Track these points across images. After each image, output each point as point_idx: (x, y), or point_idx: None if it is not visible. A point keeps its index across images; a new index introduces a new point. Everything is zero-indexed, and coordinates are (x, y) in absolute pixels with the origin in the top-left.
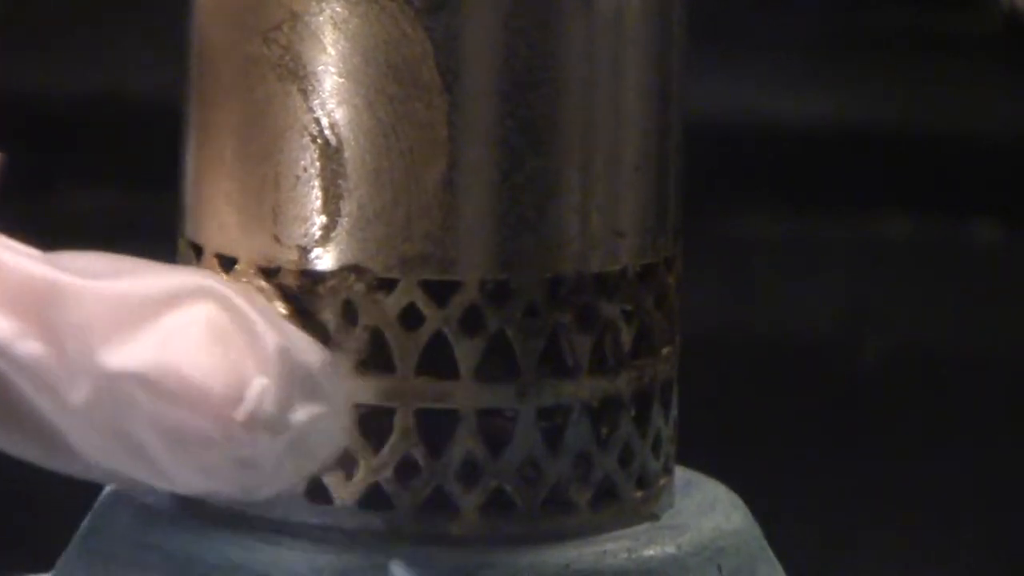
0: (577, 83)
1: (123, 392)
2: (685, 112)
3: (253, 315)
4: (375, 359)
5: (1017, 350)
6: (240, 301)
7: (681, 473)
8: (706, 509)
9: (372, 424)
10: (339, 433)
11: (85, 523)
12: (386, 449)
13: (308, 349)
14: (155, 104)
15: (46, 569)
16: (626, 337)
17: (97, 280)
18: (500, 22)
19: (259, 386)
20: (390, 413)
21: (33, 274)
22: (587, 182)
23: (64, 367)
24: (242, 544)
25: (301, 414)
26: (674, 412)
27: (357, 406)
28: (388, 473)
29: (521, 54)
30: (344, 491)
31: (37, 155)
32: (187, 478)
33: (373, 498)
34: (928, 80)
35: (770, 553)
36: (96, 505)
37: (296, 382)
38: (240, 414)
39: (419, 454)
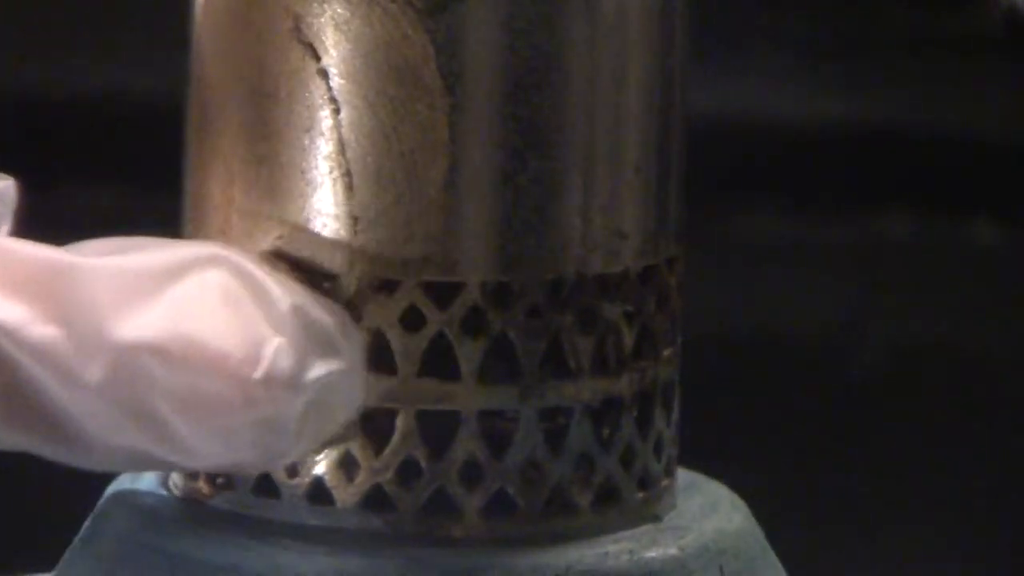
0: (579, 84)
1: (138, 365)
2: (686, 112)
3: (264, 278)
4: (377, 360)
5: (1017, 350)
6: (251, 266)
7: (683, 474)
8: (708, 511)
9: (374, 426)
10: (358, 390)
11: (86, 525)
12: (388, 451)
13: (323, 308)
14: (156, 104)
15: (46, 569)
16: (628, 338)
17: (102, 257)
18: (502, 23)
19: (275, 344)
20: (392, 414)
21: (38, 257)
22: (589, 183)
23: (77, 347)
24: (243, 546)
25: (319, 370)
26: (676, 413)
27: (358, 407)
28: (390, 475)
29: (523, 55)
30: (345, 493)
31: (37, 155)
32: (208, 449)
33: (375, 499)
34: (928, 80)
35: (772, 554)
36: (97, 507)
37: (312, 340)
38: (258, 373)
39: (421, 455)
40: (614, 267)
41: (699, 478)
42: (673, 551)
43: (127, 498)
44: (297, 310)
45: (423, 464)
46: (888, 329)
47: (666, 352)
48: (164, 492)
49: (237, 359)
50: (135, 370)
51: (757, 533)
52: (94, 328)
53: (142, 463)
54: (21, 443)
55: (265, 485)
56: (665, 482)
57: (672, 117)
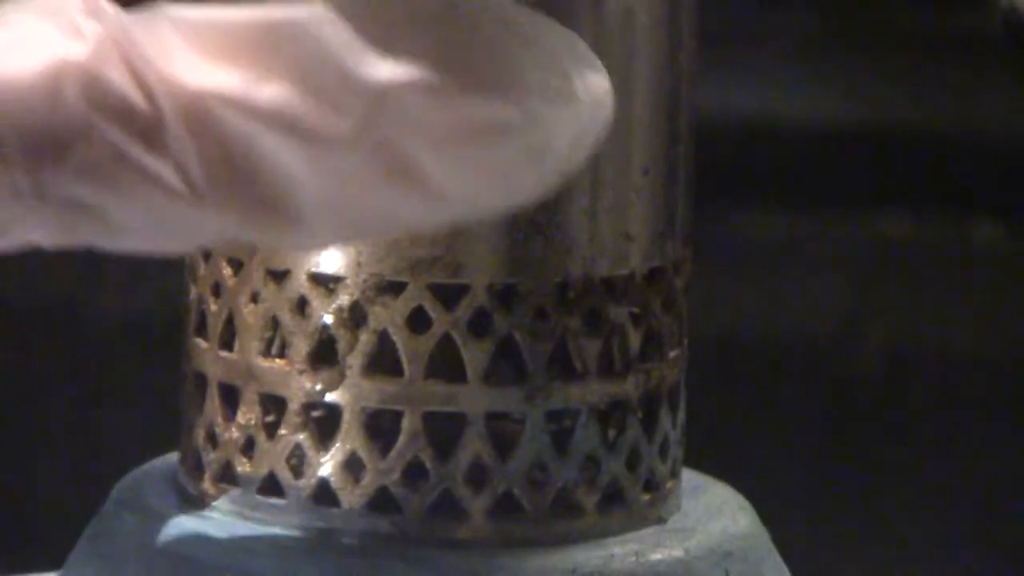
0: None
1: (399, 107)
2: (695, 116)
3: None
4: (383, 362)
5: (1017, 350)
6: None
7: (688, 476)
8: (713, 512)
9: (380, 427)
10: (609, 107)
11: (91, 525)
12: (394, 452)
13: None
14: None
15: (49, 569)
16: (634, 340)
17: (326, 6)
18: None
19: (548, 64)
20: (398, 416)
21: (253, 19)
22: (596, 185)
23: (321, 101)
24: (249, 547)
25: (585, 85)
26: (681, 415)
27: (365, 409)
28: (396, 476)
29: None
30: (352, 494)
31: None
32: (466, 187)
33: (381, 501)
34: (928, 80)
35: (777, 556)
36: (102, 507)
37: (576, 59)
38: (533, 92)
39: (427, 457)
40: (621, 269)
41: (705, 480)
42: (678, 553)
43: (132, 498)
44: (540, 35)
45: (429, 466)
46: (888, 329)
47: (672, 354)
48: (169, 493)
49: (512, 83)
50: (394, 112)
51: (763, 535)
52: (340, 76)
53: (362, 226)
54: (230, 226)
55: (271, 486)
56: (671, 484)
57: (680, 119)
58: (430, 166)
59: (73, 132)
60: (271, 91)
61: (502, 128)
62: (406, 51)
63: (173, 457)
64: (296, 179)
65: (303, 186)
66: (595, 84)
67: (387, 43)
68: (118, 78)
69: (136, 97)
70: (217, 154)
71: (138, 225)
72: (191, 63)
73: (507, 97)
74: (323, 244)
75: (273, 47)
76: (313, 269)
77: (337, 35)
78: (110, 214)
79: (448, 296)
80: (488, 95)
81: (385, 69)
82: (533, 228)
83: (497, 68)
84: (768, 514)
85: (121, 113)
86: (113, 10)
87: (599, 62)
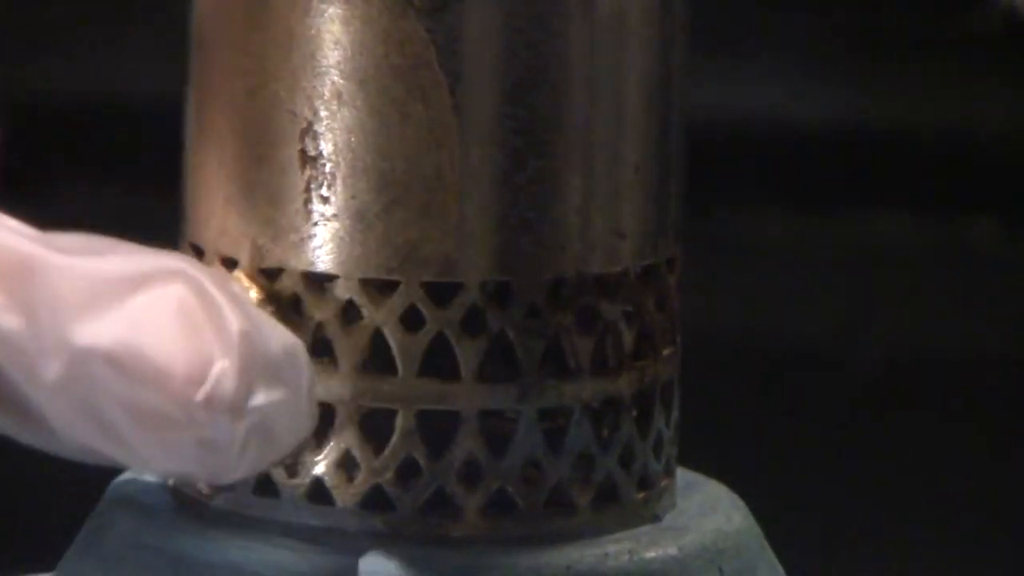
0: (578, 84)
1: (92, 370)
2: (686, 112)
3: (221, 298)
4: (376, 360)
5: (1017, 350)
6: (210, 285)
7: (682, 474)
8: (707, 510)
9: (373, 426)
10: (302, 421)
11: (86, 525)
12: (387, 451)
13: (274, 335)
14: (155, 104)
15: (47, 569)
16: (627, 338)
17: (74, 257)
18: (502, 23)
19: (220, 368)
20: (391, 414)
21: (10, 247)
22: (588, 183)
23: (38, 342)
24: (243, 546)
25: (262, 398)
26: (675, 413)
27: (358, 407)
28: (389, 475)
29: (522, 55)
30: (345, 493)
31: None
32: (156, 458)
33: (374, 500)
34: (928, 80)
35: (771, 555)
36: (98, 506)
37: (258, 366)
38: (200, 395)
39: (420, 455)
40: (614, 267)
41: (699, 478)
42: (672, 551)
43: (127, 498)
44: (245, 335)
45: (423, 464)
46: (887, 329)
47: (666, 352)
48: (164, 492)
49: (182, 378)
50: (89, 374)
51: (757, 533)
52: (56, 327)
53: (101, 458)
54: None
55: (265, 485)
56: (665, 482)
57: (672, 117)
58: (124, 431)
59: None
60: (8, 321)
61: (169, 418)
62: (113, 323)
63: None
64: (31, 400)
65: (35, 407)
66: (265, 396)
67: (104, 310)
68: None
69: None
70: None
71: None
72: None
73: (175, 395)
74: (77, 459)
75: (23, 279)
76: (306, 268)
77: (68, 288)
78: None
79: (441, 294)
80: (163, 386)
81: (85, 331)
82: (525, 226)
83: (188, 359)
84: (764, 513)
85: None
86: None
87: (293, 373)
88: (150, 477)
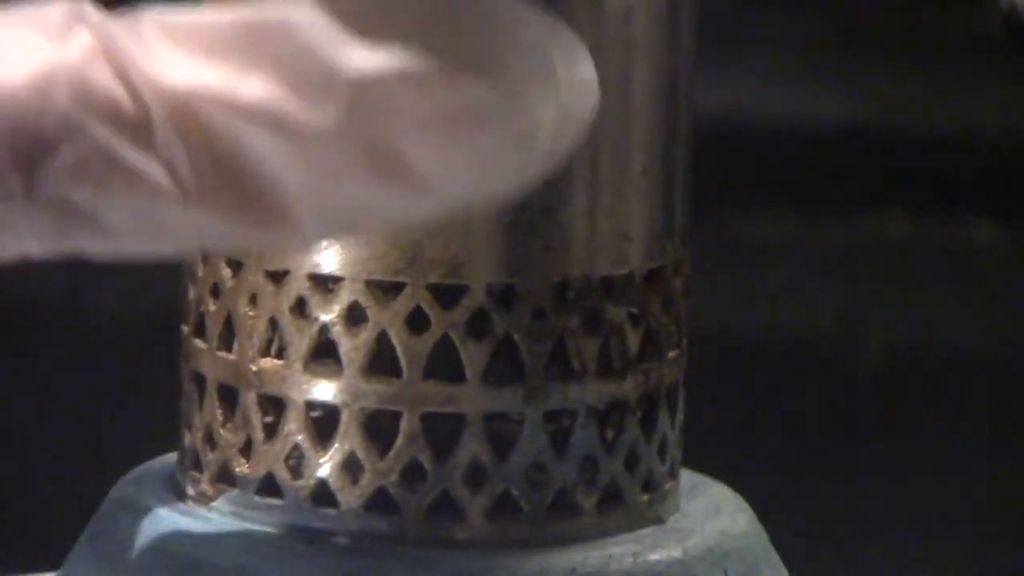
0: None
1: (382, 97)
2: (692, 116)
3: None
4: (382, 363)
5: (1017, 350)
6: None
7: (687, 476)
8: (712, 513)
9: (378, 428)
10: (594, 92)
11: (90, 526)
12: (392, 453)
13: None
14: None
15: (47, 570)
16: (632, 341)
17: (306, 5)
18: None
19: (525, 47)
20: (396, 417)
21: (235, 20)
22: (595, 186)
23: (302, 93)
24: (248, 548)
25: (570, 72)
26: (680, 416)
27: (363, 410)
28: (394, 477)
29: None
30: (350, 495)
31: None
32: (455, 177)
33: (379, 502)
34: (928, 80)
35: (775, 556)
36: (100, 508)
37: (554, 42)
38: (512, 76)
39: (425, 458)
40: (619, 270)
41: (703, 480)
42: (677, 553)
43: (131, 499)
44: (522, 21)
45: (427, 466)
46: (887, 328)
47: (671, 354)
48: (168, 493)
49: (503, 68)
50: (377, 103)
51: (761, 535)
52: (321, 70)
53: (353, 223)
54: (220, 224)
55: (269, 486)
56: (669, 484)
57: (678, 120)
58: (414, 156)
59: (62, 133)
60: (253, 87)
61: (485, 113)
62: (386, 40)
63: (171, 457)
64: (282, 174)
65: (290, 181)
66: (580, 70)
67: (367, 32)
68: (105, 80)
69: (123, 97)
70: (204, 152)
71: (129, 227)
72: (175, 63)
73: (489, 82)
74: (314, 240)
75: (254, 44)
76: (312, 270)
77: (316, 28)
78: (101, 216)
79: (447, 296)
80: (470, 80)
81: (365, 59)
82: (532, 229)
83: (478, 53)
84: (767, 514)
85: (109, 113)
86: (98, 15)
87: (584, 49)
88: (423, 212)
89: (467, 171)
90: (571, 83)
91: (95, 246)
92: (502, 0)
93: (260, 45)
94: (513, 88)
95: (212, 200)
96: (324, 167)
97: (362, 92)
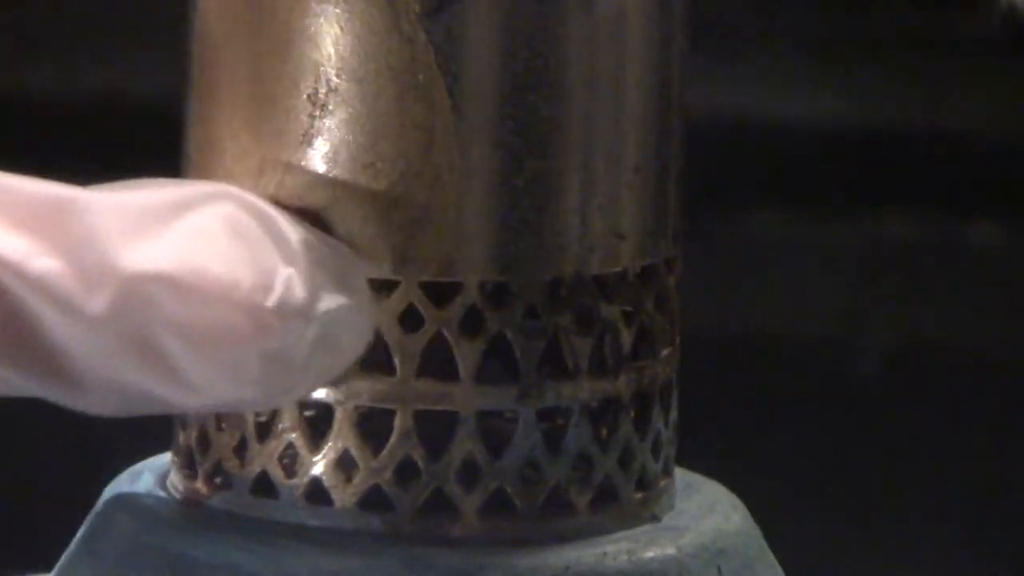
0: (577, 84)
1: (145, 296)
2: (686, 113)
3: (274, 214)
4: (375, 360)
5: (1017, 350)
6: (260, 202)
7: (681, 475)
8: (706, 511)
9: (371, 426)
10: (366, 327)
11: (85, 525)
12: (386, 451)
13: (332, 244)
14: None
15: (46, 570)
16: (626, 339)
17: (111, 193)
18: (500, 24)
19: (286, 274)
20: (390, 415)
21: (39, 192)
22: (587, 183)
23: (80, 278)
24: (241, 546)
25: (330, 303)
26: (674, 413)
27: (357, 407)
28: (388, 475)
29: (521, 56)
30: (344, 493)
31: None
32: (212, 384)
33: (373, 500)
34: (928, 80)
35: (770, 555)
36: (96, 506)
37: (322, 273)
38: (270, 301)
39: (419, 456)
40: (612, 267)
41: (697, 478)
42: (671, 551)
43: (126, 498)
44: (307, 243)
45: (421, 464)
46: (887, 329)
47: (664, 352)
48: (162, 493)
49: (248, 287)
50: (141, 301)
51: (755, 533)
52: (98, 259)
53: (139, 403)
54: (15, 381)
55: (263, 485)
56: (663, 482)
57: (671, 117)
58: (176, 356)
59: None
60: (43, 262)
61: (234, 330)
62: (164, 246)
63: (166, 457)
64: (69, 346)
65: (75, 355)
66: (331, 301)
67: (151, 236)
68: None
69: None
70: (4, 316)
71: None
72: None
73: (244, 303)
74: (115, 413)
75: (56, 223)
76: None
77: (108, 216)
78: None
79: (440, 294)
80: (226, 299)
81: (138, 257)
82: (524, 226)
83: (233, 276)
84: (764, 513)
85: None
86: None
87: (361, 275)
88: (195, 405)
89: (224, 379)
90: (334, 319)
91: None
92: (296, 230)
93: (60, 224)
94: (268, 312)
95: (13, 361)
96: (102, 348)
97: (131, 287)
